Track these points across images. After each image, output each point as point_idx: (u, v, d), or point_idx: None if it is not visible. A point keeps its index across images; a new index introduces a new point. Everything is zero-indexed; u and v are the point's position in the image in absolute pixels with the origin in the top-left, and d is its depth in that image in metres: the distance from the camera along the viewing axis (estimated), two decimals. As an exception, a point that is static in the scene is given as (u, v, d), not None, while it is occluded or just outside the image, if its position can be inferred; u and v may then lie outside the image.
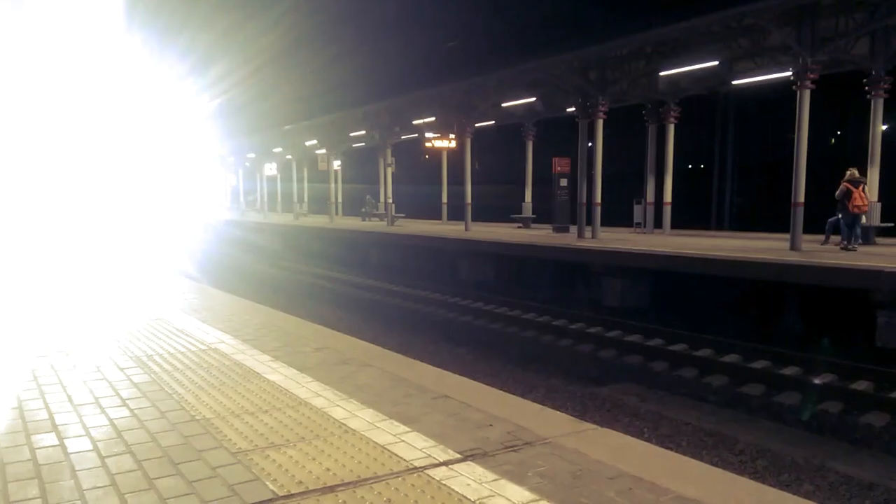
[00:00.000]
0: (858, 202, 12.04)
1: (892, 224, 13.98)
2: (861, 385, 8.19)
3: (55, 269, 11.30)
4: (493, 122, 24.27)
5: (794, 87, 12.14)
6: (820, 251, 11.93)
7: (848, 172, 12.33)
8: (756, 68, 15.60)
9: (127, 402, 3.85)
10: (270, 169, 35.73)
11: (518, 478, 2.76)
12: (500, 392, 4.30)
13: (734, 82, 16.46)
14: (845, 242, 12.20)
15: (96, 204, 34.00)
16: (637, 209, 18.70)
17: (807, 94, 11.96)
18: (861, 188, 12.20)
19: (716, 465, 5.28)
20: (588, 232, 16.23)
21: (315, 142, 30.86)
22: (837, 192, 12.27)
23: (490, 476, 2.78)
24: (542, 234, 18.21)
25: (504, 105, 20.68)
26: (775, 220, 16.82)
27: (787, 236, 12.37)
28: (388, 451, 3.09)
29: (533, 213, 22.54)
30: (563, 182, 19.13)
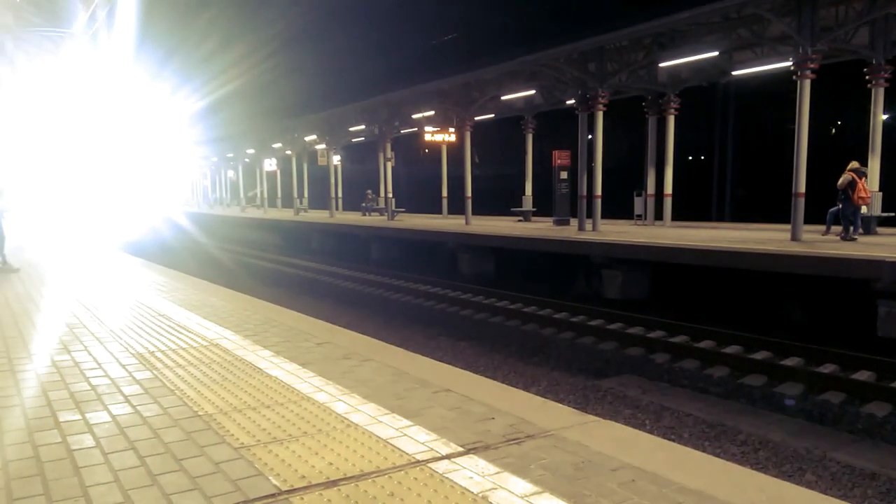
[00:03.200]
0: (863, 193, 12.05)
1: (892, 214, 13.96)
2: (862, 375, 8.20)
3: (56, 266, 11.30)
4: (492, 115, 24.20)
5: (794, 76, 12.10)
6: (821, 241, 11.92)
7: (851, 164, 12.32)
8: (756, 58, 15.55)
9: (129, 398, 3.86)
10: (270, 164, 35.67)
11: (520, 470, 2.76)
12: (502, 385, 4.30)
13: (734, 73, 16.41)
14: (845, 233, 12.19)
15: (100, 204, 34.12)
16: (637, 201, 18.67)
17: (807, 84, 11.92)
18: (864, 180, 12.19)
19: (718, 456, 5.30)
20: (588, 224, 16.22)
21: (314, 136, 30.81)
22: (841, 182, 12.24)
23: (492, 469, 2.79)
24: (542, 227, 18.19)
25: (503, 98, 20.60)
26: (776, 211, 16.79)
27: (788, 227, 12.36)
28: (391, 445, 3.09)
29: (533, 207, 22.52)
30: (564, 175, 19.09)
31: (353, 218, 27.87)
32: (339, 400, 3.78)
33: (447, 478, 2.71)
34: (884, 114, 13.72)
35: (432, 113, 23.45)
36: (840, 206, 12.41)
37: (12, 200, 11.85)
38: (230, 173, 47.18)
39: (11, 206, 11.80)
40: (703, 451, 5.51)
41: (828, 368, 8.50)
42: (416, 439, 3.15)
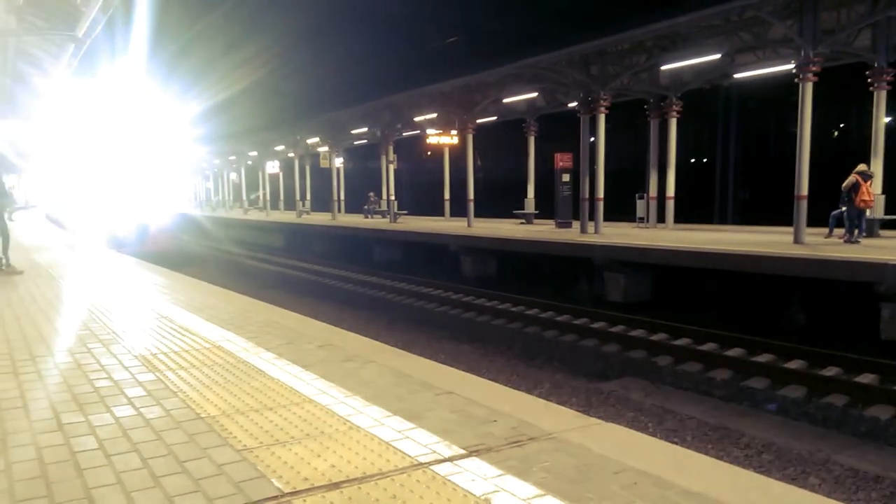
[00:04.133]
0: (866, 196, 12.03)
1: (895, 217, 13.94)
2: (866, 378, 8.18)
3: (60, 268, 11.32)
4: (494, 117, 24.23)
5: (796, 79, 12.10)
6: (824, 244, 11.90)
7: (858, 167, 12.32)
8: (758, 61, 15.56)
9: (132, 400, 3.86)
10: (273, 167, 35.73)
11: (523, 473, 2.76)
12: (505, 388, 4.30)
13: (736, 76, 16.42)
14: (848, 235, 12.17)
15: (105, 204, 34.28)
16: (640, 204, 18.67)
17: (809, 87, 11.91)
18: (869, 183, 12.18)
19: (721, 458, 5.29)
20: (591, 227, 16.22)
21: (317, 139, 30.87)
22: (845, 184, 12.23)
23: (495, 471, 2.78)
24: (544, 230, 18.18)
25: (505, 101, 20.64)
26: (778, 214, 16.79)
27: (791, 230, 12.34)
28: (393, 447, 3.09)
29: (536, 209, 22.52)
30: (566, 177, 19.09)
31: (356, 220, 27.90)
32: (342, 402, 3.78)
33: (449, 480, 2.71)
34: (886, 116, 13.70)
35: (434, 115, 23.48)
36: (843, 208, 12.39)
37: (21, 201, 11.91)
38: (232, 176, 47.25)
39: (23, 205, 11.85)
40: (706, 454, 5.50)
41: (831, 371, 8.48)
42: (419, 442, 3.15)
